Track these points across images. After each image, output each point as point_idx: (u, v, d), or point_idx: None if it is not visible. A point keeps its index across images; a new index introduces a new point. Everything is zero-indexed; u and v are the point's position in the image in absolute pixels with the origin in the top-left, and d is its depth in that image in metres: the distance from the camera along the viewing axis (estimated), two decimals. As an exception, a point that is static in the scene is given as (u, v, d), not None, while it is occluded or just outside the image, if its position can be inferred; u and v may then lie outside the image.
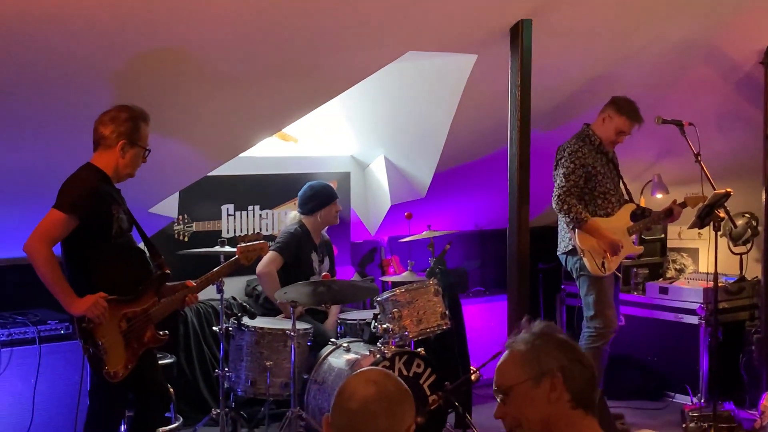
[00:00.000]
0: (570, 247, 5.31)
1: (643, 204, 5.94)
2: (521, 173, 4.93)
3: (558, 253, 5.49)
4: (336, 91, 5.08)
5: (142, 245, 4.16)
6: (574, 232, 5.23)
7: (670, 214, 5.50)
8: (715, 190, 5.28)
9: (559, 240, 5.45)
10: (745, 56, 5.76)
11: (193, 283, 4.13)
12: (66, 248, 3.87)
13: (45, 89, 4.05)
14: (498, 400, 2.22)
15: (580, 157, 5.23)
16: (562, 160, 5.26)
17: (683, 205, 5.52)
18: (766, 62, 5.66)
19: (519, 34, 4.80)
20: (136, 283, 3.94)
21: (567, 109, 5.86)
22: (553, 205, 5.23)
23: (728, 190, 5.30)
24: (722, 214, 5.34)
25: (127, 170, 3.95)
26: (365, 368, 2.24)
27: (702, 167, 5.27)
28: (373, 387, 2.09)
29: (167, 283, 4.05)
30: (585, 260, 5.21)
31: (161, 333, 4.02)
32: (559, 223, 5.41)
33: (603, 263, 5.24)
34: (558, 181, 5.24)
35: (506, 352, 2.24)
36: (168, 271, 4.02)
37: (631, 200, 5.53)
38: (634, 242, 5.67)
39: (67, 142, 4.33)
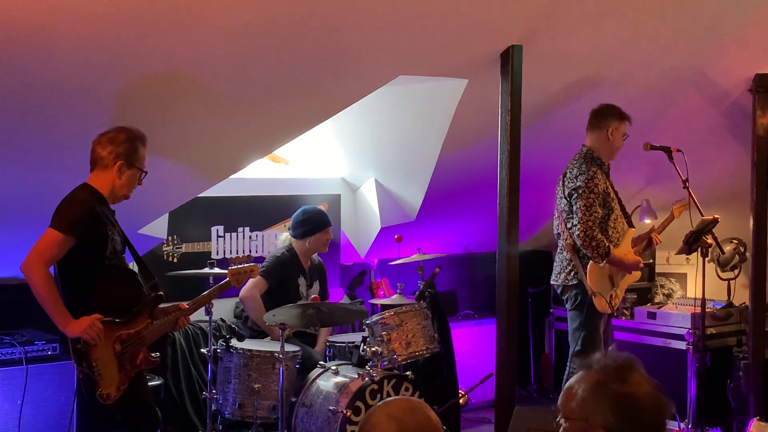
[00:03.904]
0: (574, 282, 5.09)
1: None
2: (511, 197, 4.92)
3: (554, 283, 5.27)
4: (328, 113, 5.09)
5: (131, 265, 4.15)
6: (585, 270, 5.01)
7: (650, 244, 5.42)
8: (703, 216, 5.30)
9: (557, 270, 5.21)
10: (734, 84, 5.81)
11: (185, 305, 4.13)
12: (60, 269, 3.85)
13: (42, 111, 4.05)
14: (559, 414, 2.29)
15: (597, 183, 5.00)
16: (580, 190, 4.98)
17: (668, 221, 5.47)
18: (754, 90, 5.71)
19: (509, 60, 4.83)
20: (130, 304, 3.93)
21: (555, 133, 5.89)
22: (578, 242, 4.96)
23: (716, 216, 5.32)
24: (710, 240, 5.37)
25: (123, 191, 3.95)
26: (392, 399, 2.18)
27: (690, 193, 5.28)
28: (394, 425, 2.05)
29: (160, 305, 4.04)
30: (595, 300, 5.00)
31: (153, 355, 4.01)
32: (559, 253, 5.21)
33: (610, 300, 5.09)
34: (579, 215, 4.95)
35: (582, 374, 2.27)
36: (161, 293, 4.02)
37: (630, 224, 5.35)
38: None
39: (62, 162, 4.32)
